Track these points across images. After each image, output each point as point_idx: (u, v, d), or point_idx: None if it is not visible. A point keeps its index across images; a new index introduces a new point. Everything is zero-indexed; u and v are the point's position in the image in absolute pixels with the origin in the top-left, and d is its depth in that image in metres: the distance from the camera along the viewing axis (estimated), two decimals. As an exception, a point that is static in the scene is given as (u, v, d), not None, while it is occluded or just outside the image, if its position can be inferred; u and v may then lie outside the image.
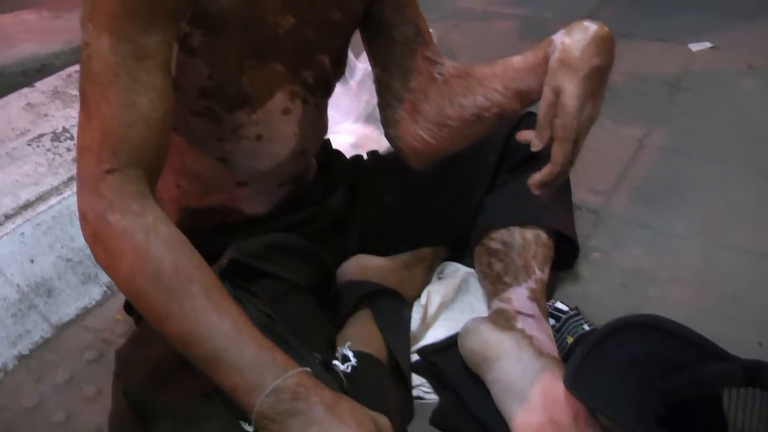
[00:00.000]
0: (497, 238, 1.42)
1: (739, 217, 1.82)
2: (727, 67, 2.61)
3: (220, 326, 0.91)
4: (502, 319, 1.30)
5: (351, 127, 1.99)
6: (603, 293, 1.57)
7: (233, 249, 1.15)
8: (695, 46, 2.75)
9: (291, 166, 1.27)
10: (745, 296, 1.57)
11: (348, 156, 1.57)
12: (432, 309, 1.42)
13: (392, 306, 1.36)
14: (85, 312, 1.58)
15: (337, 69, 1.27)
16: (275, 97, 1.16)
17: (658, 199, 1.89)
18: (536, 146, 1.11)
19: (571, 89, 1.05)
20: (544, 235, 1.43)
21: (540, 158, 1.14)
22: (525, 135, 1.15)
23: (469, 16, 3.07)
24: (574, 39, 1.06)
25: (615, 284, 1.60)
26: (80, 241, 1.67)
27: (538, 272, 1.38)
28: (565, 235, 1.48)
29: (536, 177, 1.12)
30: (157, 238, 0.93)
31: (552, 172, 1.10)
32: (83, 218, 0.95)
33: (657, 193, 1.92)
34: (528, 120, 1.47)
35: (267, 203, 1.29)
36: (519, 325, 1.29)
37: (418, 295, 1.46)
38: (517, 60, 1.16)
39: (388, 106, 1.29)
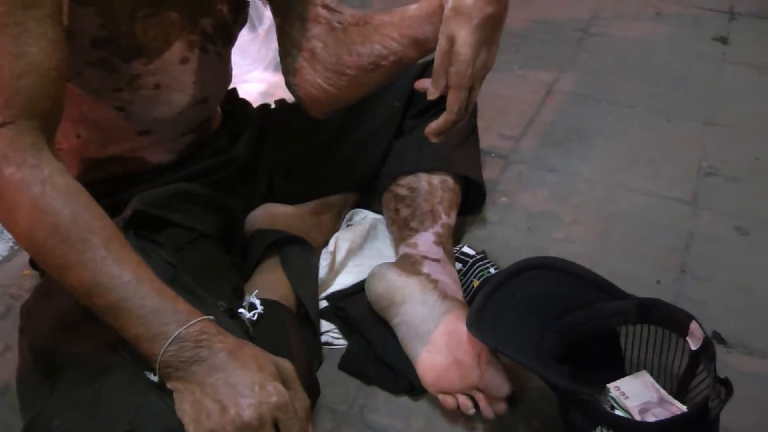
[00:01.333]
0: (404, 184, 1.44)
1: (642, 160, 1.88)
2: (636, 13, 2.67)
3: (120, 276, 0.91)
4: (408, 264, 1.32)
5: (260, 75, 1.98)
6: (510, 236, 1.61)
7: (137, 199, 1.14)
8: (606, -8, 2.79)
9: (192, 115, 1.26)
10: (645, 237, 1.63)
11: (257, 105, 1.56)
12: (340, 256, 1.43)
13: (300, 253, 1.37)
14: (-9, 268, 1.56)
15: (237, 17, 1.26)
16: (173, 46, 1.15)
17: (566, 143, 1.93)
18: (432, 94, 1.11)
19: (464, 37, 1.05)
20: (450, 180, 1.45)
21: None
22: (422, 83, 1.16)
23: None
24: None
25: (522, 227, 1.64)
26: (-16, 194, 1.64)
27: (444, 217, 1.41)
28: (473, 179, 1.51)
29: (433, 126, 1.13)
30: (54, 190, 0.92)
31: (448, 120, 1.11)
32: None
33: (564, 137, 1.96)
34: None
35: (170, 152, 1.28)
36: (425, 269, 1.31)
37: (327, 242, 1.47)
38: (413, 8, 1.16)
39: (288, 55, 1.28)
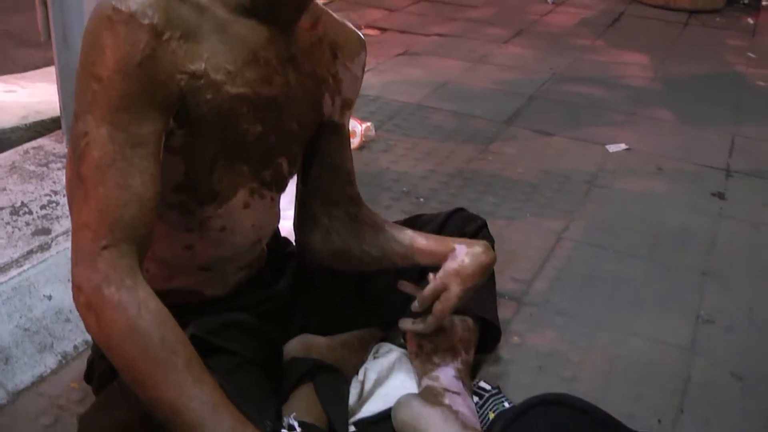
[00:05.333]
0: (428, 323, 1.57)
1: (643, 307, 2.01)
2: (639, 168, 2.84)
3: (200, 397, 1.04)
4: (431, 396, 1.44)
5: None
6: (522, 374, 1.72)
7: (193, 326, 1.28)
8: (612, 147, 2.98)
9: (248, 254, 1.41)
10: (646, 379, 1.74)
11: (293, 240, 1.71)
12: (368, 385, 1.54)
13: (332, 381, 1.47)
14: (41, 380, 1.64)
15: (292, 169, 1.42)
16: (238, 193, 1.30)
17: (573, 289, 2.07)
18: (416, 308, 1.46)
19: (456, 293, 1.42)
20: (469, 321, 1.58)
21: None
22: (406, 287, 1.49)
23: (405, 109, 3.27)
24: (471, 262, 1.43)
25: (533, 366, 1.75)
26: (37, 311, 1.75)
27: (463, 354, 1.53)
28: (489, 321, 1.64)
29: (408, 326, 1.48)
30: (147, 313, 1.05)
31: (423, 331, 1.47)
32: (78, 289, 1.07)
33: (572, 283, 2.09)
34: (457, 215, 1.71)
35: (225, 286, 1.42)
36: (446, 401, 1.43)
37: (356, 372, 1.59)
38: (422, 242, 1.47)
39: (304, 225, 1.51)
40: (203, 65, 1.13)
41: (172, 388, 1.03)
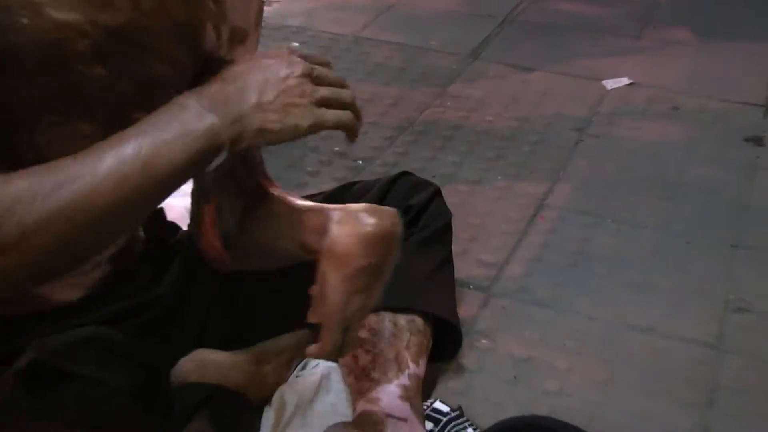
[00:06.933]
0: (364, 325, 1.54)
1: (655, 293, 2.00)
2: (647, 109, 2.83)
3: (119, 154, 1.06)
4: (368, 425, 1.42)
5: (187, 188, 2.08)
6: (492, 388, 1.70)
7: (34, 347, 1.23)
8: (610, 83, 2.97)
9: (107, 244, 1.36)
10: (658, 389, 1.72)
11: (185, 224, 1.67)
12: (286, 414, 1.51)
13: (235, 413, 1.45)
14: None
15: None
16: None
17: (560, 272, 2.05)
18: (312, 319, 1.26)
19: (334, 284, 1.22)
20: (419, 321, 1.56)
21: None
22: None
23: (338, 44, 3.24)
24: (342, 233, 1.23)
25: (506, 377, 1.74)
26: None
27: (411, 366, 1.51)
28: (445, 320, 1.62)
29: (311, 350, 1.28)
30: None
31: (321, 355, 1.27)
32: None
33: (558, 265, 2.08)
34: (402, 181, 1.70)
35: (77, 288, 1.37)
36: (388, 431, 1.40)
37: (270, 397, 1.56)
38: (302, 215, 1.31)
39: (196, 202, 1.45)
40: None
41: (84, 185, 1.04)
